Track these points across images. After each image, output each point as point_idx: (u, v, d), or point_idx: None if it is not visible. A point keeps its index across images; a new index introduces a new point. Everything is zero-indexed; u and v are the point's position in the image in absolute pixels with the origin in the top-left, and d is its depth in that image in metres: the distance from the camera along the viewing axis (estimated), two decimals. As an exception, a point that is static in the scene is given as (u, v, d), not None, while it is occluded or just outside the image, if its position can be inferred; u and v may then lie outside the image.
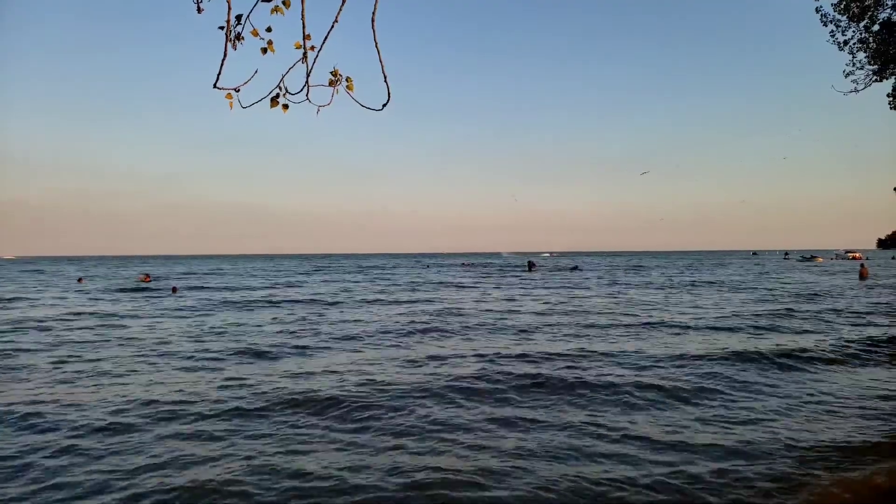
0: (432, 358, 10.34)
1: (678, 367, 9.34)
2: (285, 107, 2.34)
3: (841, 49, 11.03)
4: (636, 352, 10.72)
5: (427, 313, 17.84)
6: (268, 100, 2.30)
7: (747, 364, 9.47)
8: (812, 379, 8.64)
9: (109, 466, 5.27)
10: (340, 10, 2.23)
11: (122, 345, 12.14)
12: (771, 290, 26.67)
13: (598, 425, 6.39)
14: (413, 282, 37.48)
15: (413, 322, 15.58)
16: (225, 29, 2.18)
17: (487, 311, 18.52)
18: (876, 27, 10.65)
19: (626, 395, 7.55)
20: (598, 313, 17.49)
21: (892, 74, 10.95)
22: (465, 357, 10.35)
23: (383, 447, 5.74)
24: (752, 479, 4.91)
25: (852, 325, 14.49)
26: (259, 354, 10.84)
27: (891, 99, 11.25)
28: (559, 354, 10.44)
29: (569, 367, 9.31)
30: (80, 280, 39.32)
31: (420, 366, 9.70)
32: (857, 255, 77.66)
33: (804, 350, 10.47)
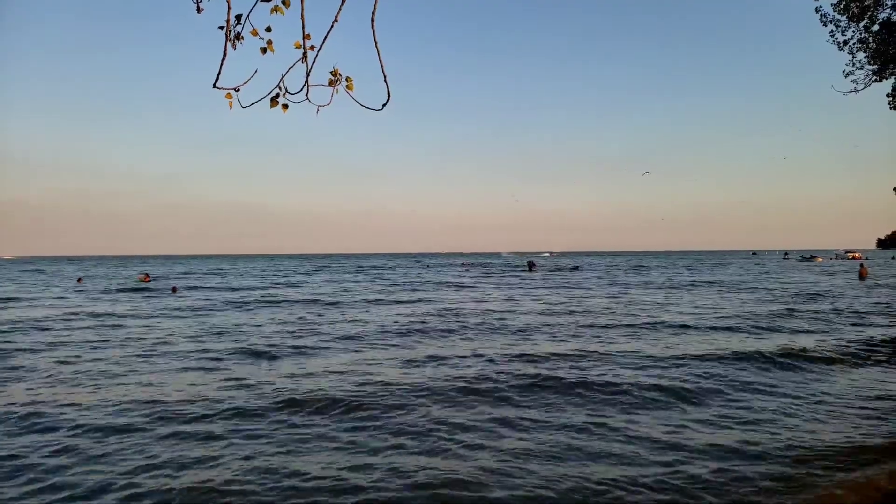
0: (432, 358, 10.34)
1: (678, 367, 9.34)
2: (285, 106, 2.34)
3: (841, 49, 11.04)
4: (636, 352, 10.72)
5: (427, 313, 17.84)
6: (267, 99, 2.30)
7: (748, 364, 9.47)
8: (812, 379, 8.64)
9: (109, 467, 5.26)
10: (340, 9, 2.23)
11: (122, 345, 12.14)
12: (771, 290, 26.68)
13: (599, 425, 6.38)
14: (413, 282, 37.48)
15: (413, 322, 15.58)
16: (225, 29, 2.18)
17: (488, 311, 18.52)
18: (875, 27, 10.66)
19: (627, 395, 7.55)
20: (599, 313, 17.49)
21: (891, 74, 10.96)
22: (465, 357, 10.35)
23: (383, 447, 5.73)
24: (753, 479, 4.90)
25: (852, 325, 14.50)
26: (259, 354, 10.84)
27: (890, 99, 11.26)
28: (559, 354, 10.44)
29: (569, 368, 9.31)
30: (79, 280, 39.32)
31: (420, 366, 9.70)
32: (857, 255, 77.75)
33: (804, 350, 10.46)
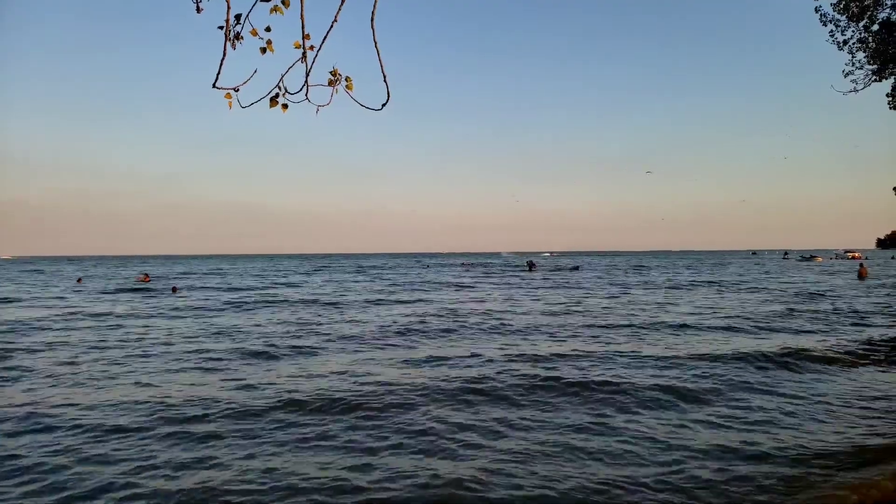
0: (432, 358, 10.33)
1: (679, 367, 9.34)
2: (284, 106, 2.34)
3: (840, 49, 11.04)
4: (636, 352, 10.72)
5: (427, 313, 17.83)
6: (267, 99, 2.29)
7: (747, 364, 9.47)
8: (812, 379, 8.64)
9: (109, 467, 5.26)
10: (340, 9, 2.23)
11: (122, 345, 12.13)
12: (771, 289, 26.68)
13: (599, 425, 6.38)
14: (413, 282, 37.48)
15: (413, 322, 15.57)
16: (224, 29, 2.18)
17: (488, 311, 18.52)
18: (875, 27, 10.66)
19: (626, 395, 7.55)
20: (599, 313, 17.49)
21: (891, 74, 10.96)
22: (464, 357, 10.34)
23: (383, 447, 5.73)
24: (754, 479, 4.90)
25: (852, 324, 14.51)
26: (258, 354, 10.83)
27: (890, 98, 11.26)
28: (559, 355, 10.44)
29: (569, 367, 9.31)
30: (79, 280, 39.31)
31: (420, 366, 9.70)
32: (857, 254, 77.78)
33: (805, 350, 10.47)
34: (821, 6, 10.95)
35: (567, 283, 34.61)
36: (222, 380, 8.72)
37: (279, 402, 7.30)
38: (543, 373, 8.87)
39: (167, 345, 12.11)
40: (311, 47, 2.25)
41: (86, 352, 11.32)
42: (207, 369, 9.56)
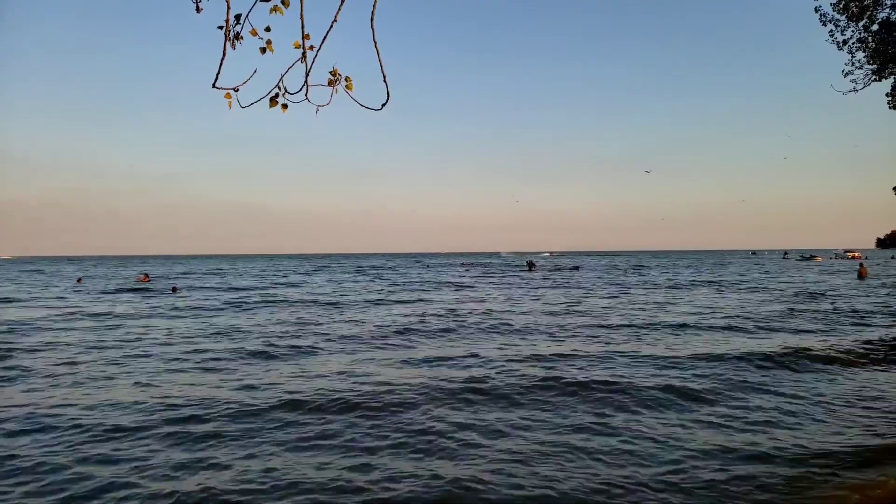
0: (432, 358, 10.34)
1: (679, 367, 9.34)
2: (284, 106, 2.34)
3: (840, 48, 11.04)
4: (636, 352, 10.72)
5: (427, 313, 17.83)
6: (267, 99, 2.29)
7: (749, 364, 9.47)
8: (813, 379, 8.64)
9: (108, 468, 5.26)
10: (339, 9, 2.23)
11: (122, 345, 12.13)
12: (771, 289, 26.69)
13: (600, 425, 6.38)
14: (413, 281, 37.48)
15: (413, 322, 15.57)
16: (224, 28, 2.18)
17: (488, 311, 18.52)
18: (875, 27, 10.66)
19: (626, 395, 7.55)
20: (599, 313, 17.49)
21: (891, 74, 10.96)
22: (464, 357, 10.34)
23: (383, 448, 5.73)
24: (756, 480, 4.90)
25: (852, 324, 14.51)
26: (259, 355, 10.83)
27: (890, 98, 11.26)
28: (559, 355, 10.44)
29: (569, 367, 9.31)
30: (79, 280, 39.30)
31: (420, 366, 9.70)
32: (857, 254, 77.78)
33: (805, 350, 10.47)
34: (820, 6, 10.96)
35: (567, 282, 34.61)
36: (222, 380, 8.72)
37: (279, 402, 7.30)
38: (543, 373, 8.87)
39: (167, 345, 12.11)
40: (311, 47, 2.25)
41: (85, 352, 11.31)
42: (207, 369, 9.56)
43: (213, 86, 2.20)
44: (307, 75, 2.26)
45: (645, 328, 13.96)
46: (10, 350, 11.48)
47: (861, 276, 34.90)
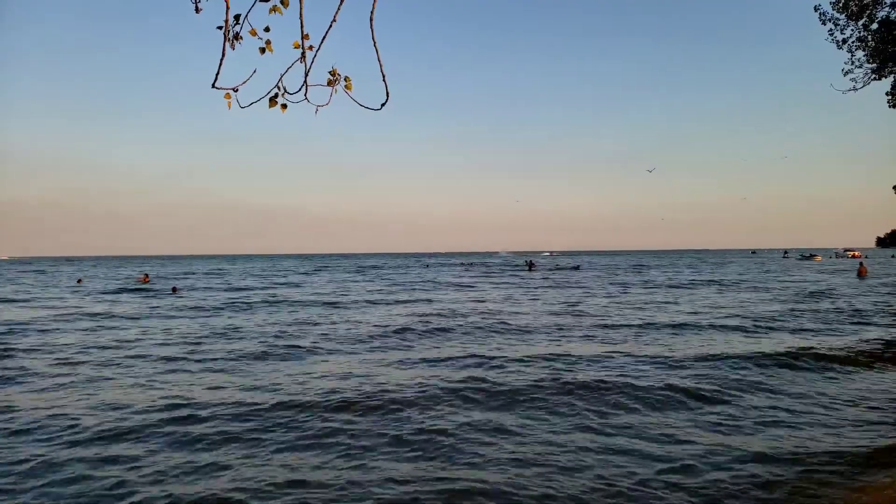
0: (433, 359, 10.34)
1: (679, 367, 9.34)
2: (284, 106, 2.33)
3: (840, 47, 11.05)
4: (637, 352, 10.72)
5: (427, 313, 17.84)
6: (266, 99, 2.29)
7: (750, 364, 9.47)
8: (814, 379, 8.63)
9: (108, 470, 5.25)
10: (339, 9, 2.23)
11: (121, 346, 12.13)
12: (771, 289, 26.69)
13: (601, 425, 6.38)
14: (413, 281, 37.48)
15: (413, 322, 15.57)
16: (223, 29, 2.18)
17: (488, 311, 18.52)
18: (874, 25, 10.66)
19: (627, 396, 7.54)
20: (599, 313, 17.50)
21: (890, 73, 10.97)
22: (465, 358, 10.34)
23: (383, 449, 5.73)
24: (759, 480, 4.89)
25: (853, 324, 14.51)
26: (259, 355, 10.83)
27: (890, 97, 11.27)
28: (560, 355, 10.44)
29: (570, 368, 9.31)
30: (79, 281, 39.30)
31: (420, 367, 9.70)
32: (856, 253, 77.77)
33: (806, 350, 10.47)
34: (820, 5, 10.96)
35: (567, 282, 34.62)
36: (222, 380, 8.72)
37: (278, 402, 7.30)
38: (544, 373, 8.87)
39: (166, 345, 12.11)
40: (311, 47, 2.25)
41: (85, 352, 11.31)
42: (207, 370, 9.56)
43: (213, 86, 2.20)
44: (306, 75, 2.26)
45: (645, 328, 13.96)
46: (9, 350, 11.48)
47: (861, 275, 34.91)
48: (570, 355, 10.30)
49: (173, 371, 9.49)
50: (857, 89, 11.09)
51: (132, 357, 10.75)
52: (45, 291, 30.11)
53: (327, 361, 10.22)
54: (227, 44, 2.18)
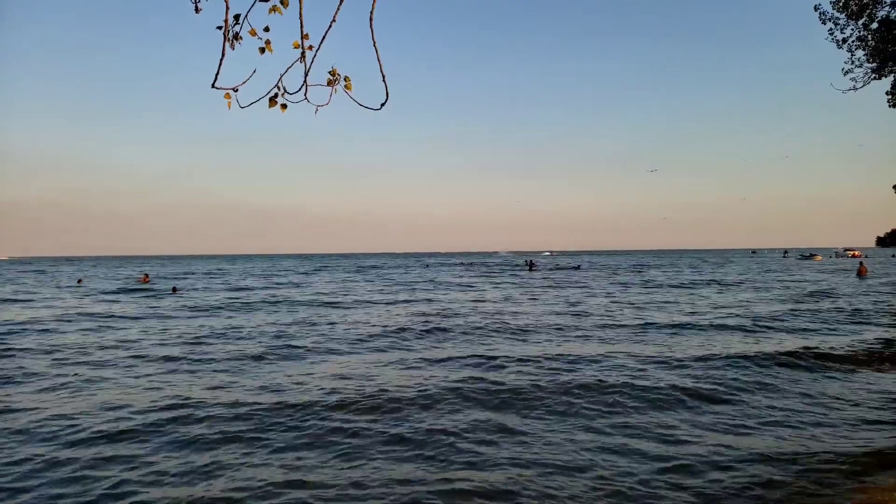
0: (433, 359, 10.33)
1: (680, 367, 9.34)
2: (284, 106, 2.33)
3: (840, 47, 11.05)
4: (638, 352, 10.72)
5: (428, 314, 17.84)
6: (266, 99, 2.29)
7: (750, 364, 9.46)
8: (817, 379, 8.62)
9: (107, 471, 5.25)
10: (338, 9, 2.23)
11: (122, 347, 12.13)
12: (772, 288, 26.69)
13: (604, 425, 6.38)
14: (413, 281, 37.48)
15: (414, 322, 15.57)
16: (223, 29, 2.17)
17: (488, 311, 18.52)
18: (874, 25, 10.66)
19: (628, 396, 7.54)
20: (601, 313, 17.49)
21: (890, 72, 10.97)
22: (466, 358, 10.34)
23: (383, 450, 5.73)
24: (762, 481, 4.89)
25: (853, 324, 14.51)
26: (258, 356, 10.83)
27: (890, 96, 11.27)
28: (561, 355, 10.44)
29: (570, 368, 9.30)
30: (79, 281, 39.28)
31: (420, 367, 9.69)
32: (856, 253, 77.73)
33: (807, 349, 10.46)
34: (820, 4, 10.97)
35: (568, 282, 34.62)
36: (221, 380, 8.72)
37: (278, 402, 7.30)
38: (544, 373, 8.87)
39: (166, 345, 12.11)
40: (310, 47, 2.25)
41: (85, 352, 11.31)
42: (206, 370, 9.56)
43: (213, 86, 2.20)
44: (306, 75, 2.26)
45: (646, 328, 13.96)
46: (9, 350, 11.48)
47: (861, 274, 34.90)
48: (570, 355, 10.30)
49: (173, 371, 9.49)
50: (857, 89, 11.10)
51: (132, 357, 10.74)
52: (45, 291, 30.11)
53: (327, 361, 10.22)
54: (227, 44, 2.18)
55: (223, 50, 2.18)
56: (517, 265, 68.22)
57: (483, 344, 11.89)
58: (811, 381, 8.35)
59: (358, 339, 12.70)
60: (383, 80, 2.32)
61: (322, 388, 8.00)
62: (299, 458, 5.45)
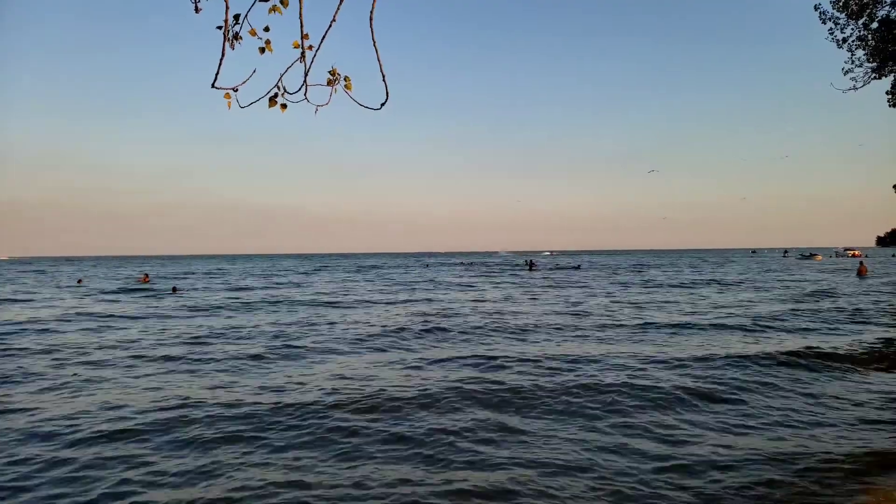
0: (434, 359, 10.33)
1: (681, 367, 9.33)
2: (283, 106, 2.33)
3: (840, 46, 11.04)
4: (638, 352, 10.72)
5: (428, 313, 17.84)
6: (266, 99, 2.29)
7: (751, 364, 9.46)
8: (817, 379, 8.62)
9: (107, 472, 5.25)
10: (338, 9, 2.23)
11: (122, 347, 12.12)
12: (772, 288, 26.69)
13: (604, 425, 6.38)
14: (413, 281, 37.48)
15: (414, 322, 15.57)
16: (223, 28, 2.17)
17: (489, 311, 18.52)
18: (875, 25, 10.66)
19: (629, 396, 7.53)
20: (601, 313, 17.49)
21: (890, 72, 10.96)
22: (466, 358, 10.34)
23: (383, 451, 5.73)
24: (771, 483, 4.88)
25: (854, 323, 14.50)
26: (258, 356, 10.83)
27: (890, 96, 11.26)
28: (561, 355, 10.43)
29: (570, 368, 9.30)
30: (79, 281, 39.28)
31: (420, 368, 9.69)
32: (857, 252, 77.73)
33: (808, 349, 10.46)
34: (820, 4, 10.96)
35: (568, 282, 34.61)
36: (221, 380, 8.72)
37: (278, 402, 7.30)
38: (544, 373, 8.86)
39: (166, 345, 12.10)
40: (310, 47, 2.24)
41: (85, 352, 11.31)
42: (206, 370, 9.56)
43: (213, 86, 2.20)
44: (306, 75, 2.26)
45: (646, 328, 13.96)
46: (9, 350, 11.48)
47: (861, 274, 34.90)
48: (569, 355, 10.30)
49: (173, 371, 9.49)
50: (857, 88, 11.10)
51: (132, 357, 10.74)
52: (45, 292, 30.10)
53: (327, 361, 10.22)
54: (227, 44, 2.18)
55: (223, 50, 2.17)
56: (517, 265, 68.20)
57: (483, 344, 11.89)
58: (811, 381, 8.35)
59: (358, 339, 12.70)
60: (383, 80, 2.31)
61: (322, 388, 8.00)
62: (299, 458, 5.45)
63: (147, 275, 41.33)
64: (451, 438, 5.93)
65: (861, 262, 39.60)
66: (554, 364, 9.51)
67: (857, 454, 5.38)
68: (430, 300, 22.90)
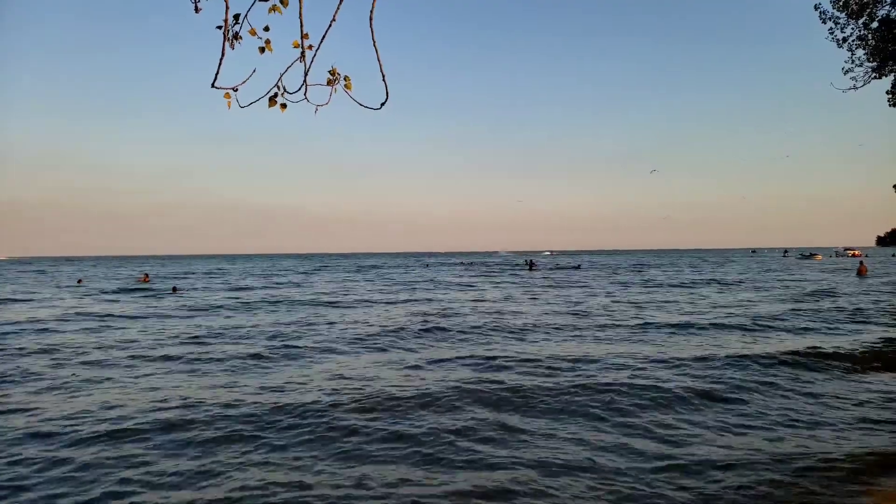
0: (434, 359, 10.33)
1: (681, 367, 9.33)
2: (283, 106, 2.33)
3: (840, 46, 11.03)
4: (638, 352, 10.72)
5: (428, 313, 17.84)
6: (266, 99, 2.29)
7: (751, 364, 9.46)
8: (820, 379, 8.62)
9: (106, 472, 5.25)
10: (338, 8, 2.23)
11: (121, 347, 12.12)
12: (772, 288, 26.69)
13: (605, 426, 6.38)
14: (413, 281, 37.48)
15: (414, 322, 15.57)
16: (223, 28, 2.17)
17: (489, 311, 18.52)
18: (875, 24, 10.65)
19: (630, 396, 7.53)
20: (601, 313, 17.50)
21: (891, 71, 10.95)
22: (466, 358, 10.34)
23: (383, 452, 5.72)
24: (773, 484, 4.89)
25: (854, 323, 14.51)
26: (258, 356, 10.82)
27: (890, 96, 11.26)
28: (561, 355, 10.44)
29: (571, 368, 9.30)
30: (79, 281, 39.28)
31: (420, 368, 9.69)
32: (857, 252, 77.74)
33: (808, 349, 10.47)
34: (820, 3, 10.95)
35: (568, 282, 34.62)
36: (221, 380, 8.72)
37: (278, 402, 7.30)
38: (544, 372, 8.86)
39: (166, 345, 12.10)
40: (310, 47, 2.24)
41: (85, 352, 11.31)
42: (206, 370, 9.56)
43: (213, 85, 2.20)
44: (306, 75, 2.26)
45: (646, 327, 13.96)
46: (9, 351, 11.48)
47: (861, 273, 34.91)
48: (569, 355, 10.30)
49: (173, 371, 9.49)
50: (857, 88, 11.09)
51: (132, 357, 10.74)
52: (45, 292, 30.10)
53: (327, 361, 10.22)
54: (227, 43, 2.18)
55: (223, 50, 2.17)
56: (517, 265, 68.21)
57: (483, 343, 11.89)
58: (811, 381, 8.35)
59: (358, 339, 12.70)
60: (383, 80, 2.31)
61: (322, 388, 8.00)
62: (299, 458, 5.45)
63: (147, 275, 41.34)
64: (451, 438, 5.93)
65: (861, 262, 39.62)
66: (554, 364, 9.51)
67: (858, 454, 5.37)
68: (430, 300, 22.90)
